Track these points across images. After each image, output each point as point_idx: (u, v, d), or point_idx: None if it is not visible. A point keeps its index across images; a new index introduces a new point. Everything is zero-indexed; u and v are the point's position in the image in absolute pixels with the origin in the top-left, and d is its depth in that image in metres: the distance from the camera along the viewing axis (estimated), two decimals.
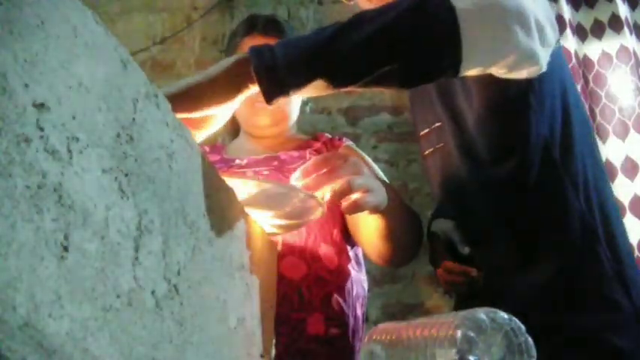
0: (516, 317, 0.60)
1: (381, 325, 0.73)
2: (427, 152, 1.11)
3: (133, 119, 0.50)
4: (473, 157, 1.00)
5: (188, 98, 0.73)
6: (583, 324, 0.93)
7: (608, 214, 0.99)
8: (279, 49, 0.74)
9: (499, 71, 0.83)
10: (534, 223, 0.97)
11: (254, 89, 0.74)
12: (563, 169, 0.97)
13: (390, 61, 0.75)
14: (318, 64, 0.75)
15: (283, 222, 0.82)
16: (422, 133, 1.12)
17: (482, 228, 1.02)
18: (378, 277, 2.02)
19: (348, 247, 1.23)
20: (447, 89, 1.03)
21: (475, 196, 1.02)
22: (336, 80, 0.75)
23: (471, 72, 0.81)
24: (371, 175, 0.88)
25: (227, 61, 0.75)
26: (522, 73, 0.86)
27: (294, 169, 0.83)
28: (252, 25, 1.30)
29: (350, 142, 1.33)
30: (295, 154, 1.24)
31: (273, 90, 0.74)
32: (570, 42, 1.98)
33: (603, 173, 1.08)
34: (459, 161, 1.01)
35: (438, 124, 1.06)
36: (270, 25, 1.30)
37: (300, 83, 0.74)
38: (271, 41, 0.80)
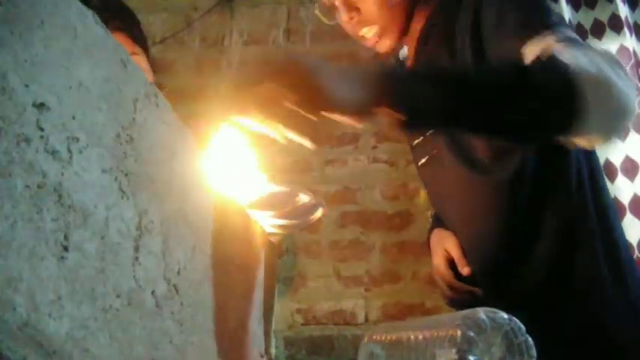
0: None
1: (381, 325, 0.73)
2: (422, 162, 1.10)
3: (133, 119, 0.50)
4: (469, 160, 0.99)
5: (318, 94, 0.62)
6: (579, 322, 0.93)
7: (604, 209, 0.99)
8: (416, 91, 0.69)
9: (584, 142, 0.81)
10: (530, 222, 0.97)
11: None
12: (559, 166, 0.97)
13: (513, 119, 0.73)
14: (449, 113, 0.72)
15: (283, 222, 0.82)
16: (415, 142, 1.10)
17: (479, 231, 1.02)
18: (378, 277, 2.02)
19: None
20: None
21: (471, 198, 1.01)
22: (460, 126, 0.76)
23: (572, 139, 0.79)
24: None
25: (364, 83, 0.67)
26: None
27: None
28: None
29: None
30: None
31: (405, 130, 0.70)
32: None
33: (599, 168, 1.07)
34: (454, 166, 1.00)
35: (431, 132, 1.03)
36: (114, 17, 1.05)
37: (427, 127, 0.80)
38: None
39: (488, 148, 0.97)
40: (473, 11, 0.92)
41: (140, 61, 1.15)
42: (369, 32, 1.01)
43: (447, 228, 1.13)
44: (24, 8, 0.39)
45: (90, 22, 0.46)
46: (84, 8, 0.46)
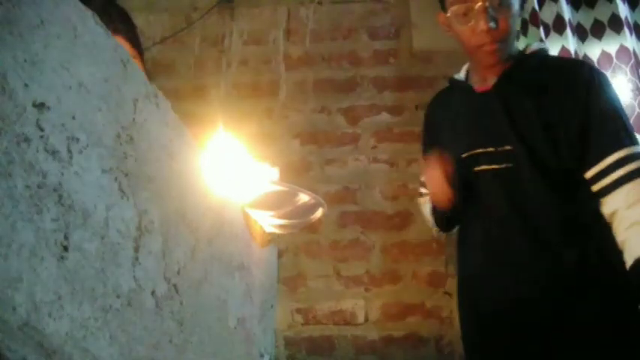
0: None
1: None
2: (482, 168, 1.22)
3: (133, 119, 0.50)
4: (548, 177, 1.15)
5: None
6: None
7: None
8: None
9: None
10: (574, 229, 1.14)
11: None
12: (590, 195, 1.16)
13: None
14: None
15: (283, 222, 0.82)
16: (479, 150, 1.22)
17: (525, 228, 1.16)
18: (378, 277, 2.02)
19: None
20: (518, 112, 1.19)
21: (542, 211, 1.16)
22: None
23: None
24: None
25: None
26: None
27: None
28: None
29: None
30: None
31: None
32: (570, 42, 1.97)
33: None
34: (531, 181, 1.16)
35: (508, 148, 1.18)
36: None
37: None
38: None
39: (565, 182, 1.16)
40: (585, 88, 1.17)
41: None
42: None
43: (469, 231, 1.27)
44: (24, 8, 0.39)
45: (90, 23, 0.46)
46: (84, 8, 0.46)
